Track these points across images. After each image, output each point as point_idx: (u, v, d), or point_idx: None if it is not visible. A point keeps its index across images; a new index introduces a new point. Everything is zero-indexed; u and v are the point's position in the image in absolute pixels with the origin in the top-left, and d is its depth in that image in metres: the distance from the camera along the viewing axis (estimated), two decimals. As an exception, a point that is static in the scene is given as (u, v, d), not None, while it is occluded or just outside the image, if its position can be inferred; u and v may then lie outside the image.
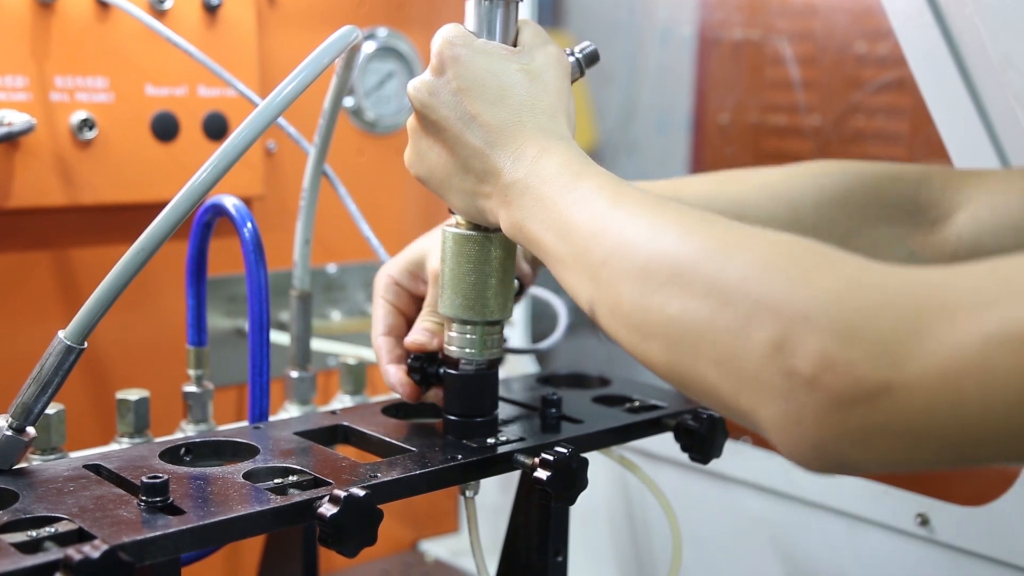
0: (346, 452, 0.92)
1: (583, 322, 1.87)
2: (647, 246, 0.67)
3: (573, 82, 0.88)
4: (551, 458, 0.87)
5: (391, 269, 0.99)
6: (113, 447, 0.98)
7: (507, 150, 0.78)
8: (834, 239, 0.86)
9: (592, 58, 0.92)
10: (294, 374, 1.13)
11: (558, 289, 1.45)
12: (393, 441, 0.92)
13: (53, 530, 0.73)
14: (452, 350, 0.91)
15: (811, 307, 0.57)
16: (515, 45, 0.84)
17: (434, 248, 0.96)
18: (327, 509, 0.76)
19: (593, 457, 0.92)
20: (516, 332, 1.56)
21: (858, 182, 0.93)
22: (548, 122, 0.80)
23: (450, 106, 0.80)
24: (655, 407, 1.03)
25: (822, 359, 0.56)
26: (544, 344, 1.22)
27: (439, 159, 0.83)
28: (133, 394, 1.01)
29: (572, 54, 0.91)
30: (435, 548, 1.57)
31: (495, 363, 0.93)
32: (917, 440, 0.56)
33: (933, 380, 0.54)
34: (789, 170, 0.97)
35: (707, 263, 0.63)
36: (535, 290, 1.37)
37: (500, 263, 0.88)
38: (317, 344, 1.20)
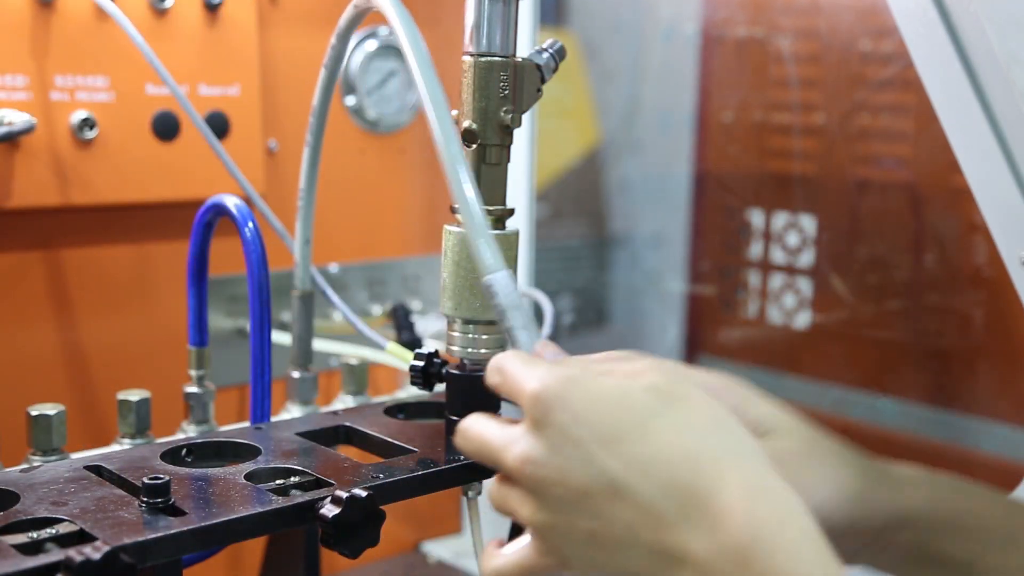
0: (348, 453, 0.92)
1: (585, 321, 1.86)
2: None
3: (546, 81, 0.85)
4: (555, 458, 0.86)
5: None
6: (114, 448, 0.97)
7: (692, 517, 0.56)
8: None
9: (562, 52, 0.89)
10: (296, 374, 1.13)
11: (546, 288, 1.44)
12: (395, 442, 0.92)
13: (54, 531, 0.73)
14: (454, 350, 0.90)
15: None
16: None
17: None
18: (329, 510, 0.76)
19: (597, 457, 0.91)
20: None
21: None
22: (746, 457, 0.58)
23: (580, 470, 0.59)
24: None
25: None
26: None
27: (586, 543, 0.61)
28: (134, 395, 1.00)
29: (545, 50, 0.89)
30: (438, 549, 1.56)
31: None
32: None
33: None
34: None
35: None
36: (527, 290, 1.37)
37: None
38: (319, 344, 1.20)
